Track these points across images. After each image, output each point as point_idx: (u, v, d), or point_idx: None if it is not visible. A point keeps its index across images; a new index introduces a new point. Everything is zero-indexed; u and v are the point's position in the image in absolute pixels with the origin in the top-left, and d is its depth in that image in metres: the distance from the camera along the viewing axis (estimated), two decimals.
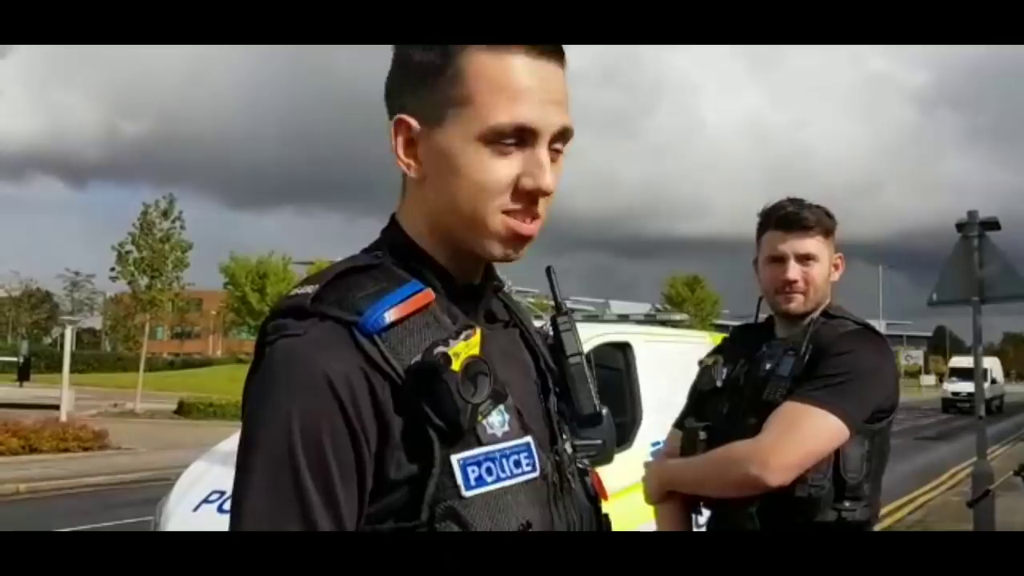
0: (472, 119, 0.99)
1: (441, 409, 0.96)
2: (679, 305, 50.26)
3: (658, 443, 5.35)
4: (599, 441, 4.35)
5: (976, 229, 7.92)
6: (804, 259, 2.18)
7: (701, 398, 2.30)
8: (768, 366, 2.16)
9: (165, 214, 25.17)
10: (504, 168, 1.00)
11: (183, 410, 24.74)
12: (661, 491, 2.24)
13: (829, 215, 2.24)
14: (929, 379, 72.28)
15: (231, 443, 5.38)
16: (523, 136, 1.00)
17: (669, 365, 5.98)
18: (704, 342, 7.15)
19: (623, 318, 7.21)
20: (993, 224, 7.99)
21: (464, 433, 0.98)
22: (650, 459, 2.52)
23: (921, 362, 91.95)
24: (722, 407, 2.20)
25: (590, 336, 5.37)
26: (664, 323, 7.37)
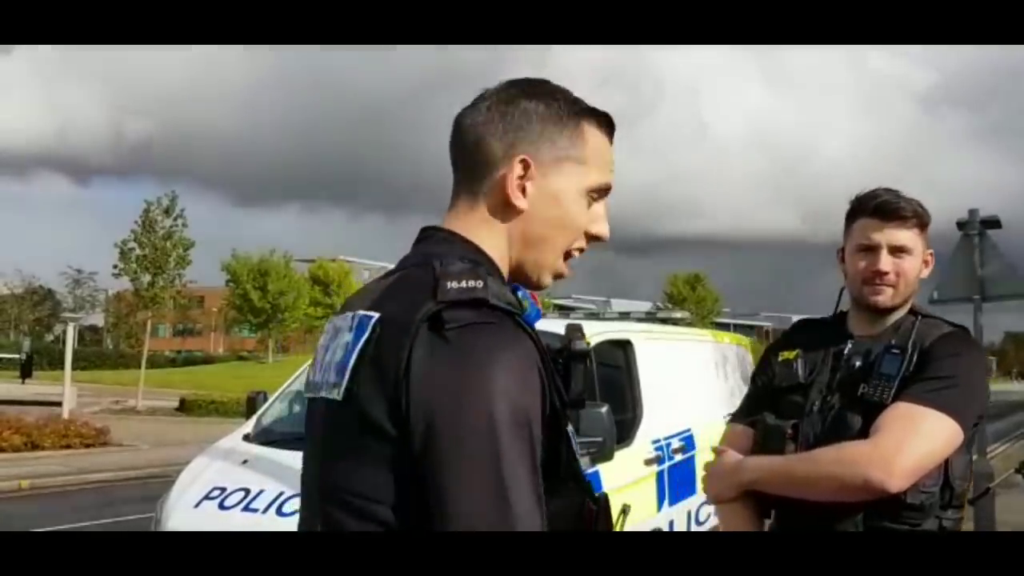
0: (585, 175, 1.24)
1: (576, 388, 1.17)
2: (680, 303, 50.33)
3: (658, 440, 5.37)
4: (599, 439, 4.35)
5: (977, 227, 7.90)
6: (898, 251, 2.06)
7: (777, 393, 2.16)
8: (859, 363, 2.06)
9: (167, 211, 25.16)
10: (586, 215, 1.25)
11: (184, 407, 24.75)
12: (738, 489, 2.08)
13: (924, 208, 2.10)
14: None
15: (232, 440, 5.38)
16: (603, 193, 1.26)
17: (670, 363, 5.99)
18: (705, 340, 7.16)
19: (624, 316, 7.22)
20: (994, 222, 7.97)
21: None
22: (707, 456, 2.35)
23: None
24: (808, 404, 2.08)
25: (591, 334, 5.36)
26: (665, 321, 7.39)
